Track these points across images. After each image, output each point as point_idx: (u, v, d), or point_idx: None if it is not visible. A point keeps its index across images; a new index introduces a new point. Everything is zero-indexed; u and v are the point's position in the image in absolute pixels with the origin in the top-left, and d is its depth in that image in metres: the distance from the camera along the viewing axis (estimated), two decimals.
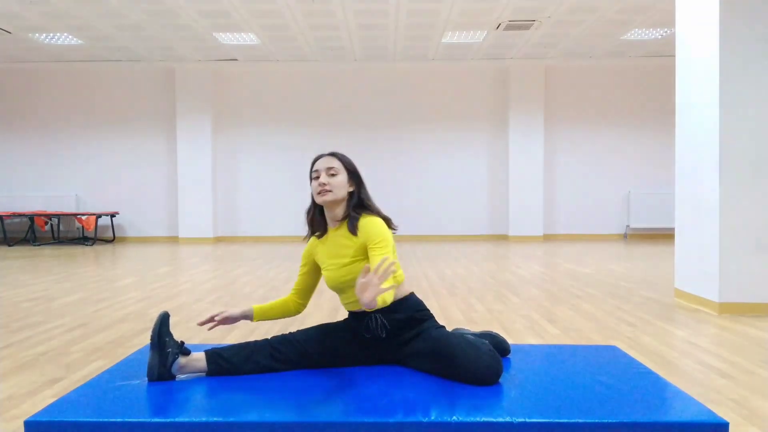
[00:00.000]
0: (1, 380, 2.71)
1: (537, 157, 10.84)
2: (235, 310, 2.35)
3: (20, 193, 10.97)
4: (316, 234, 2.41)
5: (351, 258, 2.26)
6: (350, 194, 2.34)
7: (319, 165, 2.33)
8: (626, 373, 2.22)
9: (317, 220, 2.40)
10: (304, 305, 2.51)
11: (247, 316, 2.37)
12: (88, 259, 7.93)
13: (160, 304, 4.61)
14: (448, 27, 8.75)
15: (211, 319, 2.32)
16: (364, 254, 2.25)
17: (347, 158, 2.38)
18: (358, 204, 2.34)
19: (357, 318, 2.32)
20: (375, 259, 2.16)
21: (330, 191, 2.27)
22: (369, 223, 2.25)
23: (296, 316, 4.07)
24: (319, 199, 2.30)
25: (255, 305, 2.41)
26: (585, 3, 7.74)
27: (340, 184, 2.30)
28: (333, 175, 2.30)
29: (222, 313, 2.33)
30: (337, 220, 2.34)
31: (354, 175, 2.36)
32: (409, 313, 2.28)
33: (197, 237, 10.82)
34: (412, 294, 2.35)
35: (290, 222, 11.04)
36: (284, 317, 2.48)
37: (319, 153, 2.41)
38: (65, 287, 5.49)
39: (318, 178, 2.29)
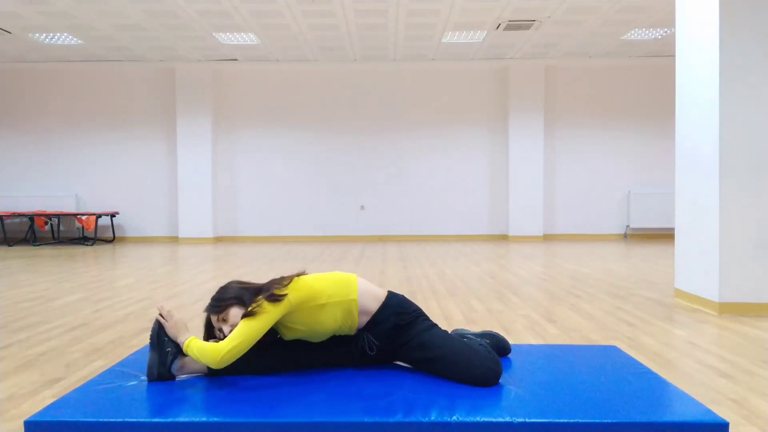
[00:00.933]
0: (1, 380, 2.71)
1: (537, 157, 10.84)
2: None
3: (20, 193, 10.97)
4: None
5: (312, 330, 2.22)
6: (246, 308, 2.18)
7: (213, 323, 2.25)
8: (626, 373, 2.22)
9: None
10: None
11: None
12: (88, 259, 7.93)
13: (160, 304, 4.61)
14: (448, 27, 8.75)
15: None
16: (306, 322, 2.20)
17: (221, 296, 2.26)
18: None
19: (345, 340, 2.30)
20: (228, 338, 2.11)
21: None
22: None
23: None
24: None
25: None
26: (585, 3, 7.74)
27: (236, 317, 2.17)
28: (225, 320, 2.20)
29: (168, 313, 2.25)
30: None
31: (235, 299, 2.22)
32: (392, 320, 2.21)
33: (197, 237, 10.82)
34: (388, 296, 2.28)
35: (290, 222, 11.04)
36: None
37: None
38: (65, 287, 5.49)
39: (223, 333, 2.19)
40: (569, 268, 6.69)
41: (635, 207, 10.88)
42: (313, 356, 2.29)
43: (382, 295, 2.28)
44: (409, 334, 2.21)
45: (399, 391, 2.03)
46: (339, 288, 2.22)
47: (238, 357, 2.07)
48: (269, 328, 2.12)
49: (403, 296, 2.33)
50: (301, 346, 2.29)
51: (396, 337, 2.23)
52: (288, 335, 2.25)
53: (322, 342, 2.30)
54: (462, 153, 11.11)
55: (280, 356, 2.26)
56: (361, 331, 2.25)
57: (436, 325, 2.27)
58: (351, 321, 2.23)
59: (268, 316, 2.10)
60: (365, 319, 2.24)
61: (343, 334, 2.27)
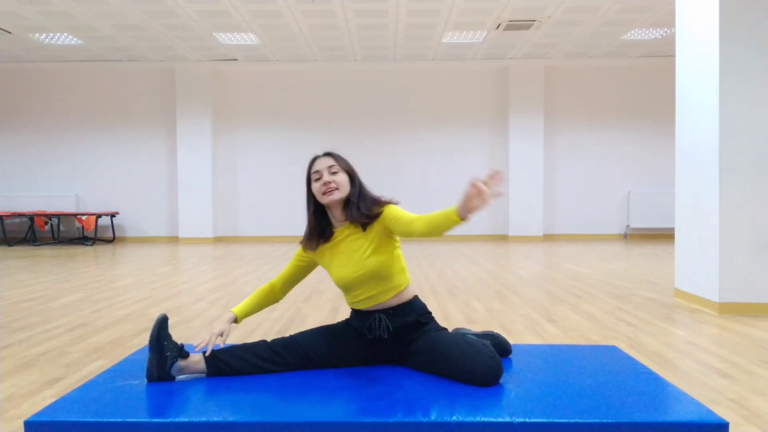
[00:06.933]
0: (1, 380, 2.71)
1: (537, 157, 10.84)
2: (219, 325, 2.23)
3: (20, 193, 10.97)
4: (321, 240, 2.34)
5: (368, 252, 2.24)
6: (351, 192, 2.31)
7: (318, 165, 2.29)
8: (626, 373, 2.22)
9: (321, 226, 2.34)
10: (284, 295, 2.47)
11: (233, 321, 2.29)
12: (88, 259, 7.93)
13: (160, 304, 4.61)
14: (448, 27, 8.75)
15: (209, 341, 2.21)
16: (379, 244, 2.25)
17: (342, 157, 2.37)
18: (362, 199, 2.29)
19: (361, 318, 2.31)
20: (407, 218, 2.17)
21: (336, 189, 2.24)
22: (385, 211, 2.26)
23: (295, 316, 4.07)
24: (326, 199, 2.25)
25: (234, 309, 2.33)
26: (585, 3, 7.74)
27: (344, 181, 2.28)
28: (335, 173, 2.27)
29: (212, 335, 2.20)
30: (342, 220, 2.31)
31: (351, 174, 2.34)
32: (413, 317, 2.28)
33: (197, 237, 10.82)
34: (416, 297, 2.36)
35: (290, 222, 11.04)
36: (266, 307, 2.43)
37: (315, 155, 2.36)
38: (65, 287, 5.49)
39: (320, 178, 2.26)
40: (569, 268, 6.69)
41: (635, 207, 10.88)
42: (314, 359, 2.29)
43: (412, 294, 2.35)
44: (422, 330, 2.28)
45: (399, 391, 2.03)
46: (405, 264, 2.38)
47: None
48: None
49: (424, 303, 2.41)
50: (303, 348, 2.29)
51: (411, 331, 2.28)
52: (343, 245, 2.32)
53: (325, 344, 2.30)
54: (462, 153, 11.11)
55: (280, 360, 2.25)
56: (379, 312, 2.27)
57: (445, 329, 2.33)
58: (385, 290, 2.26)
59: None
60: (390, 304, 2.27)
61: (358, 299, 2.28)
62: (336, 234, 2.32)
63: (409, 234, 2.14)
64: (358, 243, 2.26)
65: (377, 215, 2.25)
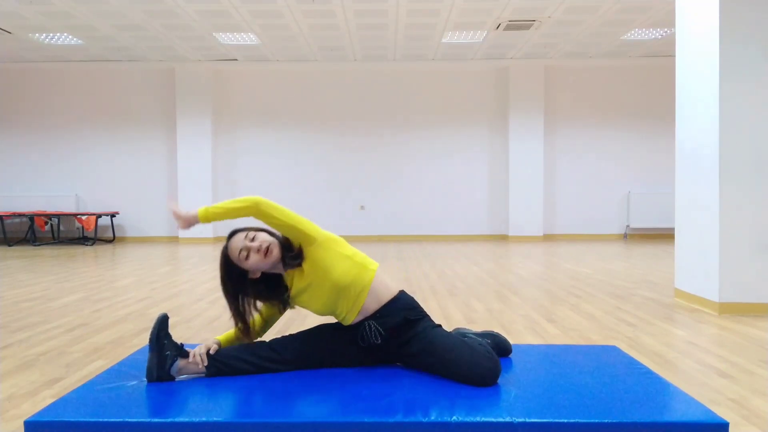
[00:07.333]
0: (1, 380, 2.71)
1: (537, 157, 10.84)
2: (205, 346, 2.23)
3: (20, 193, 10.97)
4: (287, 296, 2.30)
5: (320, 275, 2.21)
6: (279, 242, 2.25)
7: (238, 244, 2.19)
8: (626, 373, 2.22)
9: (278, 285, 2.30)
10: (264, 333, 2.43)
11: (219, 345, 2.29)
12: (88, 259, 7.93)
13: (160, 304, 4.61)
14: (448, 27, 8.75)
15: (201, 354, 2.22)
16: (320, 261, 2.21)
17: (247, 227, 2.28)
18: (287, 244, 2.25)
19: (352, 328, 2.29)
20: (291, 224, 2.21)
21: (269, 245, 2.18)
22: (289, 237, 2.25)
23: (295, 316, 4.08)
24: (270, 261, 2.18)
25: (219, 337, 2.32)
26: (585, 3, 7.74)
27: (268, 237, 2.22)
28: (253, 238, 2.20)
29: (201, 353, 2.21)
30: (283, 269, 2.27)
31: (265, 230, 2.26)
32: (401, 314, 2.24)
33: (197, 237, 10.82)
34: (401, 293, 2.31)
35: None
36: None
37: (223, 246, 2.26)
38: (65, 287, 5.49)
39: (248, 253, 2.17)
40: (569, 268, 6.69)
41: (635, 207, 10.88)
42: (313, 358, 2.29)
43: (395, 289, 2.30)
44: (416, 330, 2.23)
45: (399, 391, 2.03)
46: (363, 257, 2.30)
47: (269, 209, 2.17)
48: (301, 224, 2.20)
49: (412, 297, 2.35)
50: (302, 347, 2.29)
51: (403, 332, 2.24)
52: (298, 283, 2.25)
53: (324, 344, 2.30)
54: (462, 153, 11.11)
55: (279, 359, 2.25)
56: (367, 319, 2.25)
57: (440, 326, 2.29)
58: (358, 293, 2.21)
59: (304, 219, 2.24)
60: (374, 306, 2.24)
61: (343, 315, 2.26)
62: (287, 281, 2.30)
63: (278, 225, 2.21)
64: (307, 274, 2.24)
65: (296, 246, 2.23)
